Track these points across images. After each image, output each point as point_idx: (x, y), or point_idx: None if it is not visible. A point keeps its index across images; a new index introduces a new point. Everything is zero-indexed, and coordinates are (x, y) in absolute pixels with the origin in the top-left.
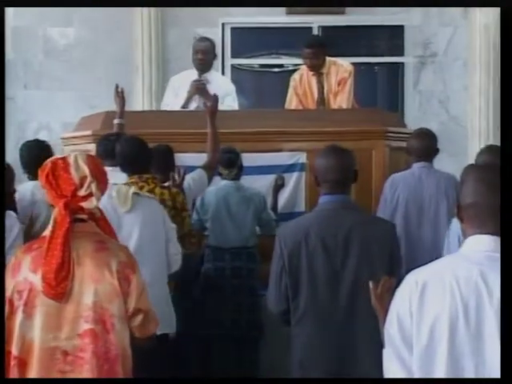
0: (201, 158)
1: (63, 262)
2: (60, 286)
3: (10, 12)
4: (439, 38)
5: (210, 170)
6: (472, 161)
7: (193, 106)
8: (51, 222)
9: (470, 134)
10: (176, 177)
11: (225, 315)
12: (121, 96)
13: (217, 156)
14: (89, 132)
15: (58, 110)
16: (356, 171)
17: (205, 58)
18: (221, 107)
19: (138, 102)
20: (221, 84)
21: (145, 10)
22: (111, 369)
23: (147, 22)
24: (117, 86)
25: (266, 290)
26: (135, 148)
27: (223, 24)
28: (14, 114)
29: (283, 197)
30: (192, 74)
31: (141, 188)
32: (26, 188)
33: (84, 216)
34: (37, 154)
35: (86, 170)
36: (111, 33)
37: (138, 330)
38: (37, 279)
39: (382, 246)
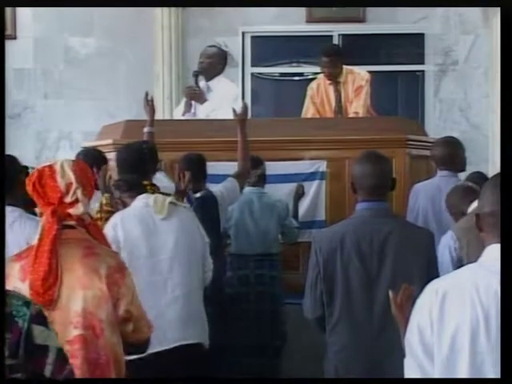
0: (230, 167)
1: (50, 269)
2: (47, 293)
3: (29, 21)
4: (460, 46)
5: (242, 178)
6: (493, 169)
7: (191, 113)
8: (39, 229)
9: (491, 142)
10: (181, 182)
11: (248, 323)
12: (151, 104)
13: (248, 164)
14: (109, 141)
15: (78, 120)
16: (394, 179)
17: (205, 61)
18: (227, 114)
19: (159, 110)
20: (228, 91)
21: (165, 19)
22: (102, 374)
23: (167, 31)
24: (146, 94)
25: (289, 298)
26: (131, 154)
27: (243, 33)
28: (34, 124)
29: (304, 205)
30: (202, 85)
31: None
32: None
33: (72, 222)
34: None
35: (71, 176)
36: (132, 42)
37: (130, 336)
38: (25, 288)
39: (418, 254)
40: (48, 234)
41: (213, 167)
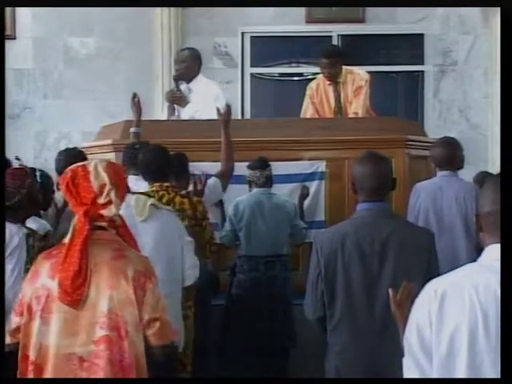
0: (216, 167)
1: (80, 269)
2: (76, 293)
3: (29, 21)
4: (459, 47)
5: (224, 178)
6: (493, 169)
7: (175, 116)
8: (71, 229)
9: (491, 142)
10: (197, 184)
11: (260, 325)
12: (137, 105)
13: (231, 164)
14: (109, 141)
15: (78, 120)
16: (394, 179)
17: (180, 67)
18: (211, 114)
19: (158, 111)
20: (209, 91)
21: (165, 19)
22: (125, 376)
23: (167, 32)
24: (134, 95)
25: (298, 298)
26: (158, 157)
27: (243, 33)
28: (33, 124)
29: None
30: (183, 87)
31: (161, 197)
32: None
33: (104, 223)
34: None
35: (105, 177)
36: (131, 42)
37: (154, 338)
38: (54, 285)
39: (419, 255)
40: (79, 234)
41: (198, 167)
